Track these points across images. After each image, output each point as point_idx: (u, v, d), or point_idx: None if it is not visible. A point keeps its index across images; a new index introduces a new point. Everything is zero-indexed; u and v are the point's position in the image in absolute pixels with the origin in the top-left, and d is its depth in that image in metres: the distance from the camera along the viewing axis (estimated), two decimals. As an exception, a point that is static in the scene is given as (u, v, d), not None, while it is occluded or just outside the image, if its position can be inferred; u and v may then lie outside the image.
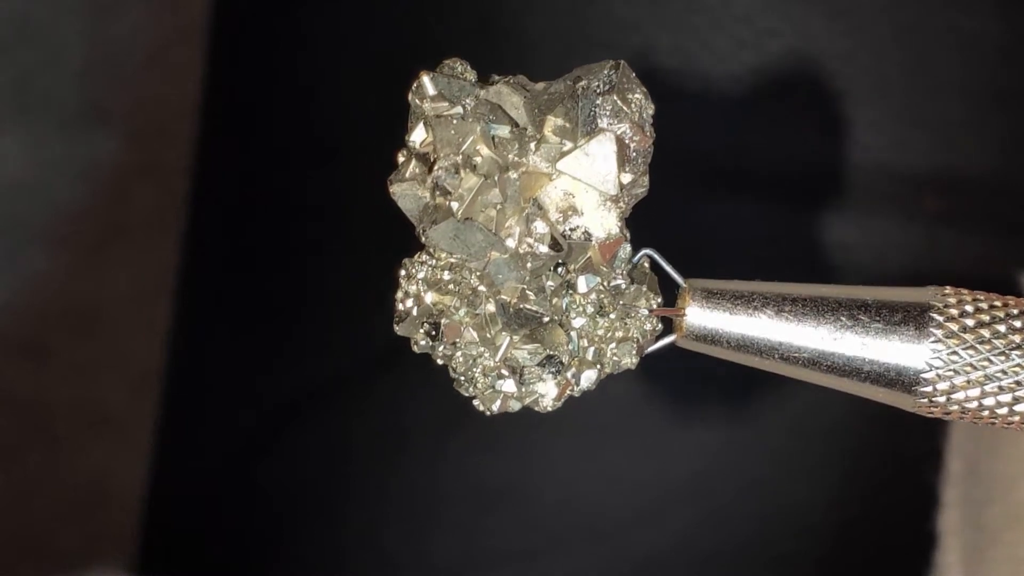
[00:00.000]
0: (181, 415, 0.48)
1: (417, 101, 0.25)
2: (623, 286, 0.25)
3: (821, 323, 0.24)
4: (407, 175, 0.25)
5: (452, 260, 0.25)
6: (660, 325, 0.26)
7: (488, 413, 0.26)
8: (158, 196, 0.77)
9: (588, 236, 0.25)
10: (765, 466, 0.41)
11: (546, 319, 0.25)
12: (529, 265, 0.25)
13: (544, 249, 0.24)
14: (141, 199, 0.79)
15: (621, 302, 0.25)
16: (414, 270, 0.26)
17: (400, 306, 0.26)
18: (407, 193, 0.25)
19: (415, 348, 0.26)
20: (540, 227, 0.25)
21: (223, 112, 0.48)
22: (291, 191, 0.45)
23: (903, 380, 0.24)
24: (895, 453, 0.41)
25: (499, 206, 0.24)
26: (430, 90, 0.25)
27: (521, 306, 0.25)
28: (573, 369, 0.25)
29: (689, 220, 0.40)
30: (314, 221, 0.44)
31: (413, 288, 0.26)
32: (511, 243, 0.25)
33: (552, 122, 0.24)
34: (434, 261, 0.26)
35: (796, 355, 0.25)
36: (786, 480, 0.41)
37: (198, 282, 0.48)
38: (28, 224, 0.79)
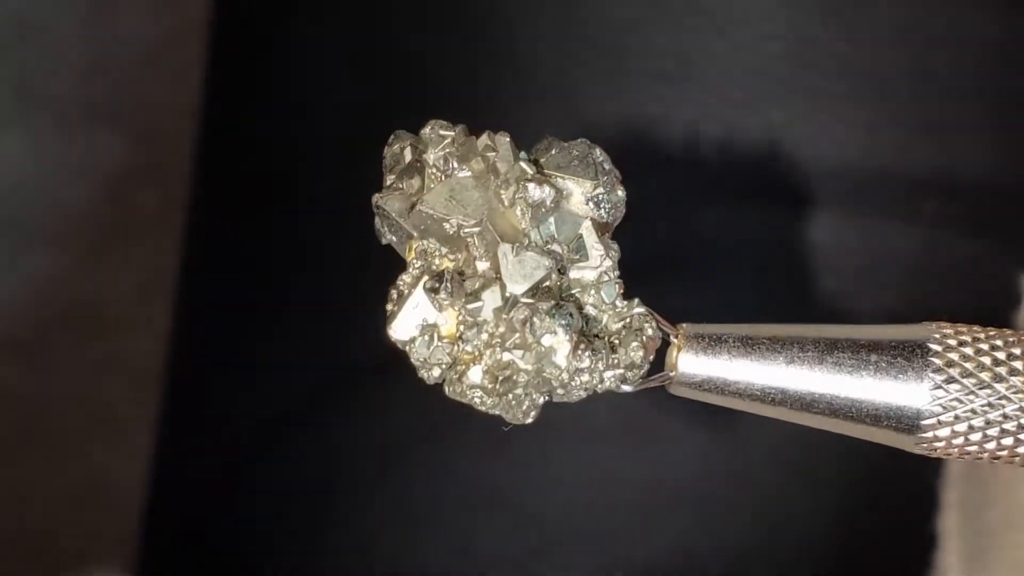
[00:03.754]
0: (181, 415, 0.48)
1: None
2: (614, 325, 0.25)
3: (816, 366, 0.24)
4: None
5: (449, 257, 0.25)
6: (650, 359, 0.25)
7: (518, 421, 0.25)
8: (158, 196, 0.77)
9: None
10: (763, 469, 0.41)
11: (554, 264, 0.24)
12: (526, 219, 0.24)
13: (537, 193, 0.24)
14: (141, 199, 0.79)
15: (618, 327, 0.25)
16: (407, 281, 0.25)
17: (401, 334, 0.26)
18: (392, 199, 0.25)
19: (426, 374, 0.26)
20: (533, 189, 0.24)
21: (223, 112, 0.48)
22: (291, 191, 0.45)
23: (903, 422, 0.24)
24: (895, 455, 0.41)
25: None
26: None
27: (526, 249, 0.24)
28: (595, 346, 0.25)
29: (686, 224, 0.40)
30: (315, 221, 0.44)
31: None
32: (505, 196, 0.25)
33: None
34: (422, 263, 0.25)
35: (792, 401, 0.24)
36: (785, 482, 0.41)
37: (198, 282, 0.48)
38: (28, 224, 0.79)
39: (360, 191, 0.43)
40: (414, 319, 0.25)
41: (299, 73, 0.45)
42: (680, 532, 0.41)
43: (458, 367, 0.25)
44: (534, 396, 0.25)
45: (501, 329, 0.24)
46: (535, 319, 0.24)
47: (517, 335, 0.24)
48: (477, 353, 0.25)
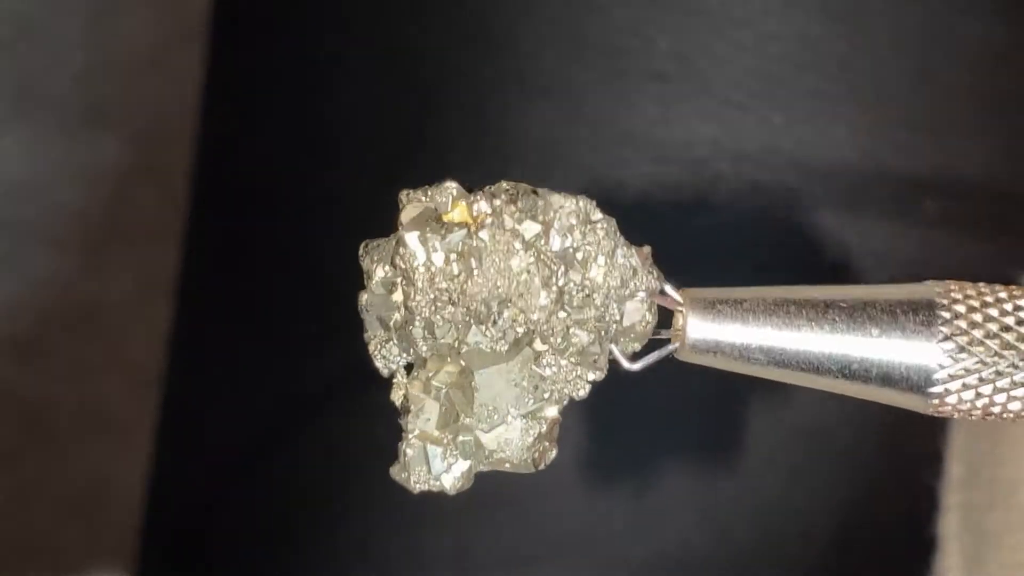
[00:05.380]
0: (181, 415, 0.48)
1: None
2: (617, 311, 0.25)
3: (825, 328, 0.23)
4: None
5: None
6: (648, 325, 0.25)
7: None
8: (158, 197, 0.77)
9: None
10: (764, 470, 0.41)
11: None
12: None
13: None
14: (141, 200, 0.79)
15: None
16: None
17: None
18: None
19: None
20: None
21: (223, 113, 0.48)
22: (291, 192, 0.45)
23: (913, 382, 0.23)
24: (895, 457, 0.41)
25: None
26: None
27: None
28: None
29: (687, 224, 0.40)
30: (315, 222, 0.44)
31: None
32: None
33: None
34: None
35: (800, 362, 0.24)
36: (785, 484, 0.41)
37: (198, 283, 0.48)
38: (28, 224, 0.79)
39: (360, 191, 0.43)
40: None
41: (299, 73, 0.45)
42: (679, 534, 0.41)
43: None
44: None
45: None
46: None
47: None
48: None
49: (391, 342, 0.25)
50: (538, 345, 0.25)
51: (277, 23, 0.45)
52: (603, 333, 0.24)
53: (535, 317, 0.24)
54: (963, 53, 0.40)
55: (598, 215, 0.24)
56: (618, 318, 0.25)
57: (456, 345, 0.24)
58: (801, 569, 0.41)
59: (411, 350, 0.25)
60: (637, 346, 0.25)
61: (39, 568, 0.73)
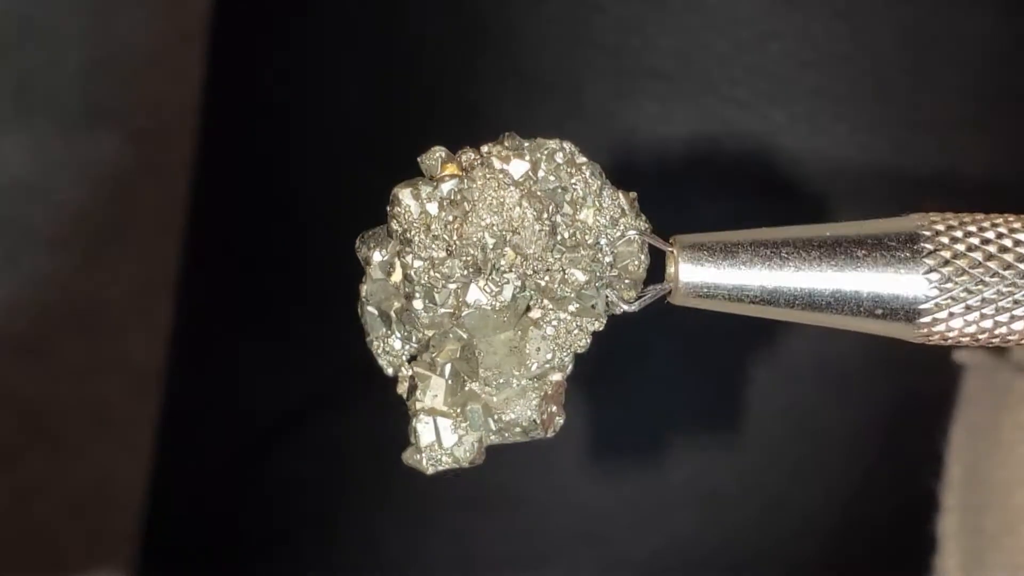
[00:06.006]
0: (181, 415, 0.48)
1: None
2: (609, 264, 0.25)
3: (814, 263, 0.24)
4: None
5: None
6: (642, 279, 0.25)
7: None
8: (159, 196, 0.77)
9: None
10: (765, 470, 0.41)
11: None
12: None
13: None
14: (142, 199, 0.79)
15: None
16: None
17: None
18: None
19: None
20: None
21: (223, 112, 0.48)
22: (291, 191, 0.45)
23: (903, 312, 0.24)
24: (895, 457, 0.41)
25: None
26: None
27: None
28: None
29: (687, 222, 0.40)
30: (315, 221, 0.44)
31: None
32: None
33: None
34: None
35: (792, 298, 0.24)
36: (786, 484, 0.41)
37: (199, 282, 0.48)
38: (29, 224, 0.79)
39: (360, 190, 0.43)
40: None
41: (299, 73, 0.45)
42: (680, 533, 0.41)
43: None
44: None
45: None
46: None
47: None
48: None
49: (392, 335, 0.26)
50: (535, 313, 0.25)
51: (277, 23, 0.45)
52: (597, 275, 0.25)
53: (531, 252, 0.24)
54: (963, 52, 0.40)
55: (583, 159, 0.25)
56: (611, 259, 0.25)
57: (457, 313, 0.25)
58: (801, 568, 0.41)
59: (413, 336, 0.25)
60: (633, 294, 0.25)
61: (39, 568, 0.73)
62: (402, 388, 0.26)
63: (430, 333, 0.25)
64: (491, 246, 0.24)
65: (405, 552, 0.42)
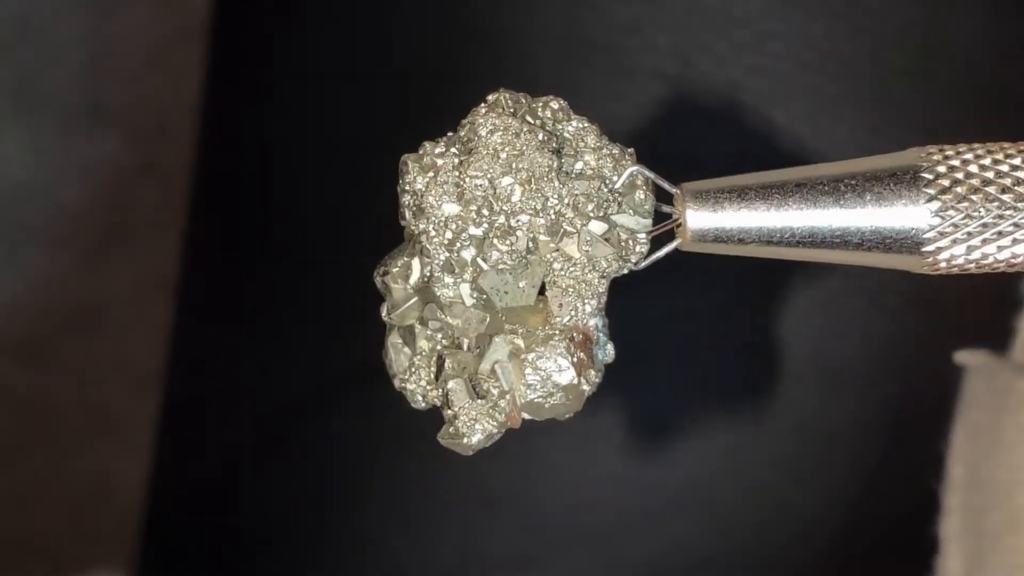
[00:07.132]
0: (181, 415, 0.48)
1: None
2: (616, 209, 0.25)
3: (819, 202, 0.25)
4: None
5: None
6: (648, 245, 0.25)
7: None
8: (159, 196, 0.77)
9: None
10: (766, 471, 0.41)
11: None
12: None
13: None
14: (142, 199, 0.79)
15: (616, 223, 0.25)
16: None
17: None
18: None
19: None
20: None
21: (223, 112, 0.48)
22: (291, 191, 0.45)
23: (907, 244, 0.25)
24: (896, 459, 0.41)
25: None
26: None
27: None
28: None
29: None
30: (315, 221, 0.44)
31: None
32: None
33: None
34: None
35: (797, 238, 0.25)
36: (787, 485, 0.41)
37: (199, 282, 0.48)
38: (28, 224, 0.79)
39: (360, 191, 0.43)
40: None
41: (299, 73, 0.45)
42: (681, 533, 0.41)
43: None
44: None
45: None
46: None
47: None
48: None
49: (417, 367, 0.26)
50: (549, 276, 0.25)
51: (277, 22, 0.45)
52: (606, 205, 0.25)
53: (538, 174, 0.25)
54: (963, 53, 0.40)
55: (578, 116, 0.26)
56: (618, 186, 0.25)
57: (476, 281, 0.25)
58: (801, 569, 0.41)
59: (438, 336, 0.25)
60: (643, 238, 0.25)
61: (39, 568, 0.73)
62: (437, 398, 0.26)
63: (454, 322, 0.25)
64: (502, 184, 0.24)
65: (405, 552, 0.42)
